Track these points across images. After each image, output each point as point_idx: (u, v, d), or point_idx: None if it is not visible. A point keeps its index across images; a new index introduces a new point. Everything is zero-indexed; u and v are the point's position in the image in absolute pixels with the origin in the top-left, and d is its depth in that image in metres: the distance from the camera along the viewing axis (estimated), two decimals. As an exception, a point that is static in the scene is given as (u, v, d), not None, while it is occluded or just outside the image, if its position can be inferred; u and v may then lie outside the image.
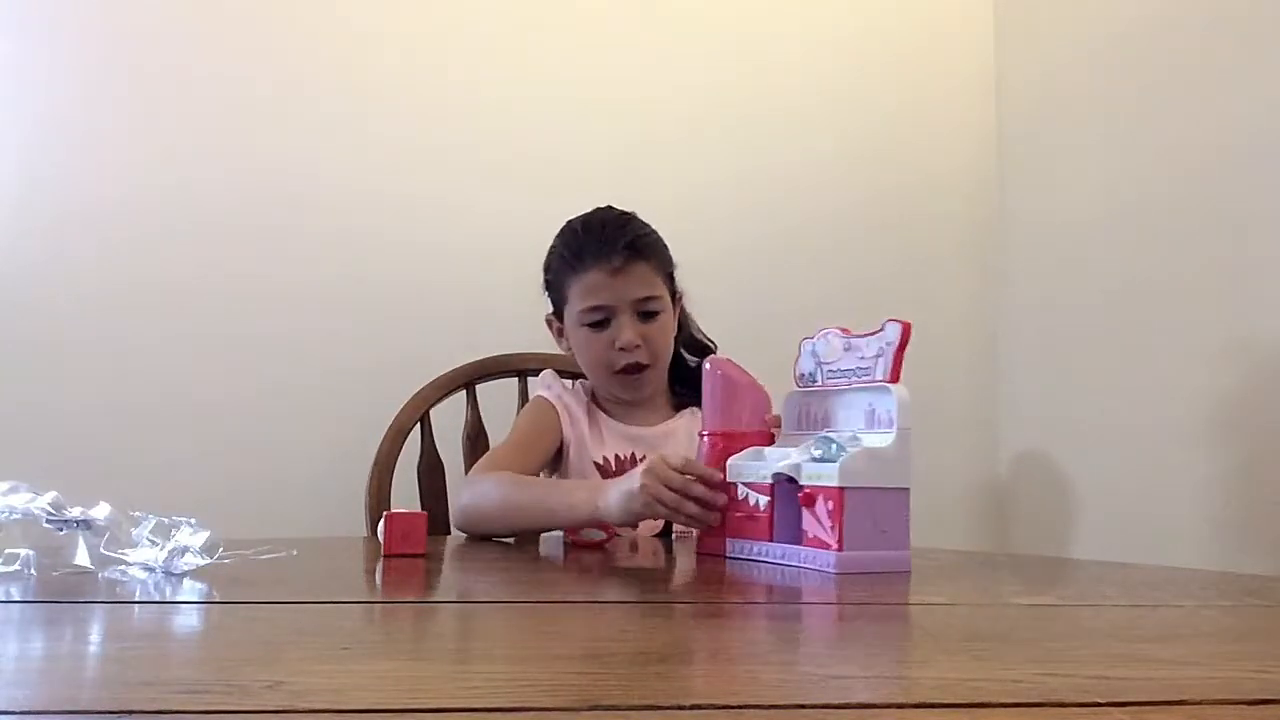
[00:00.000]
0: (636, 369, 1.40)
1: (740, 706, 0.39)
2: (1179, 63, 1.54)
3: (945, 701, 0.41)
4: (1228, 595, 0.87)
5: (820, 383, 1.04)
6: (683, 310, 1.49)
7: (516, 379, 1.68)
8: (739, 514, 1.02)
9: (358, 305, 1.81)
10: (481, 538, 1.29)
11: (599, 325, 1.39)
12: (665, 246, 1.44)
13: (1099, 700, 0.40)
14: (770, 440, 1.07)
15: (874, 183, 1.98)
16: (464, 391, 1.66)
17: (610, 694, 0.42)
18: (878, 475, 0.93)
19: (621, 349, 1.38)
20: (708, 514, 1.05)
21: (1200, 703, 0.41)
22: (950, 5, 2.04)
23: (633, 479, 1.09)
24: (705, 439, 1.10)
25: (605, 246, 1.38)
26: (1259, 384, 1.38)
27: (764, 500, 0.99)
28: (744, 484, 1.02)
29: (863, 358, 0.98)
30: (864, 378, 0.98)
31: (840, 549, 0.91)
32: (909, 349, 0.96)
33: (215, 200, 1.80)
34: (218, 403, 1.77)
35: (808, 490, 0.94)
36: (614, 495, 1.11)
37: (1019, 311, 1.93)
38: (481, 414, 1.66)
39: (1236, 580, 1.01)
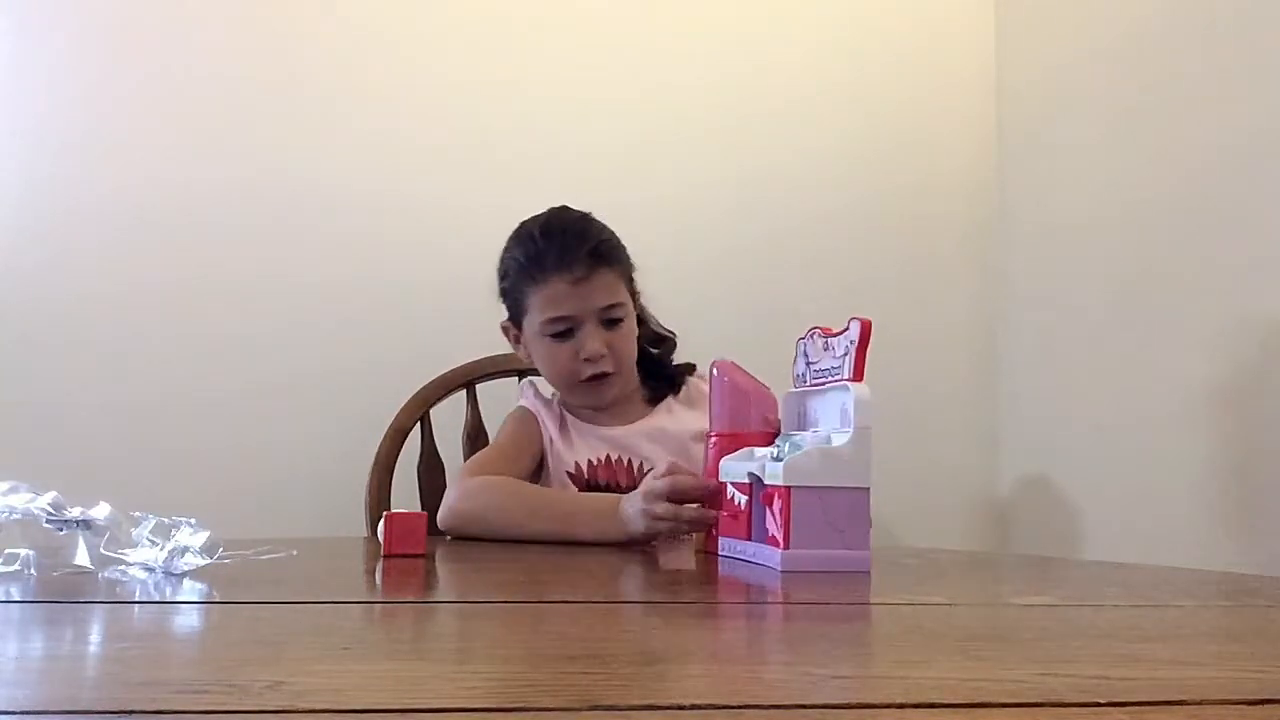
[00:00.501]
0: (602, 377, 1.38)
1: (740, 706, 0.39)
2: (1179, 63, 1.54)
3: (945, 701, 0.40)
4: (1228, 595, 0.87)
5: (808, 382, 1.04)
6: (641, 307, 1.47)
7: (516, 379, 1.68)
8: (727, 513, 1.04)
9: (357, 305, 1.81)
10: (472, 538, 1.28)
11: (562, 335, 1.37)
12: (624, 249, 1.42)
13: (1099, 700, 0.40)
14: (771, 441, 1.08)
15: (874, 182, 1.98)
16: (464, 391, 1.66)
17: (610, 694, 0.42)
18: (830, 474, 0.92)
19: (587, 360, 1.36)
20: (706, 515, 1.08)
21: (1200, 703, 0.41)
22: (951, 5, 2.04)
23: (635, 503, 1.13)
24: (712, 441, 1.12)
25: (566, 255, 1.35)
26: (1259, 384, 1.38)
27: (744, 499, 1.00)
28: (732, 483, 1.03)
29: (836, 357, 0.99)
30: (834, 376, 0.99)
31: (786, 547, 0.91)
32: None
33: (215, 200, 1.80)
34: (218, 403, 1.77)
35: (768, 489, 0.95)
36: (631, 519, 1.14)
37: (1019, 311, 1.93)
38: (481, 414, 1.66)
39: (1236, 580, 1.01)
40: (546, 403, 1.47)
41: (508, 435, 1.45)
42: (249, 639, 0.56)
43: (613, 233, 1.41)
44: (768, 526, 0.95)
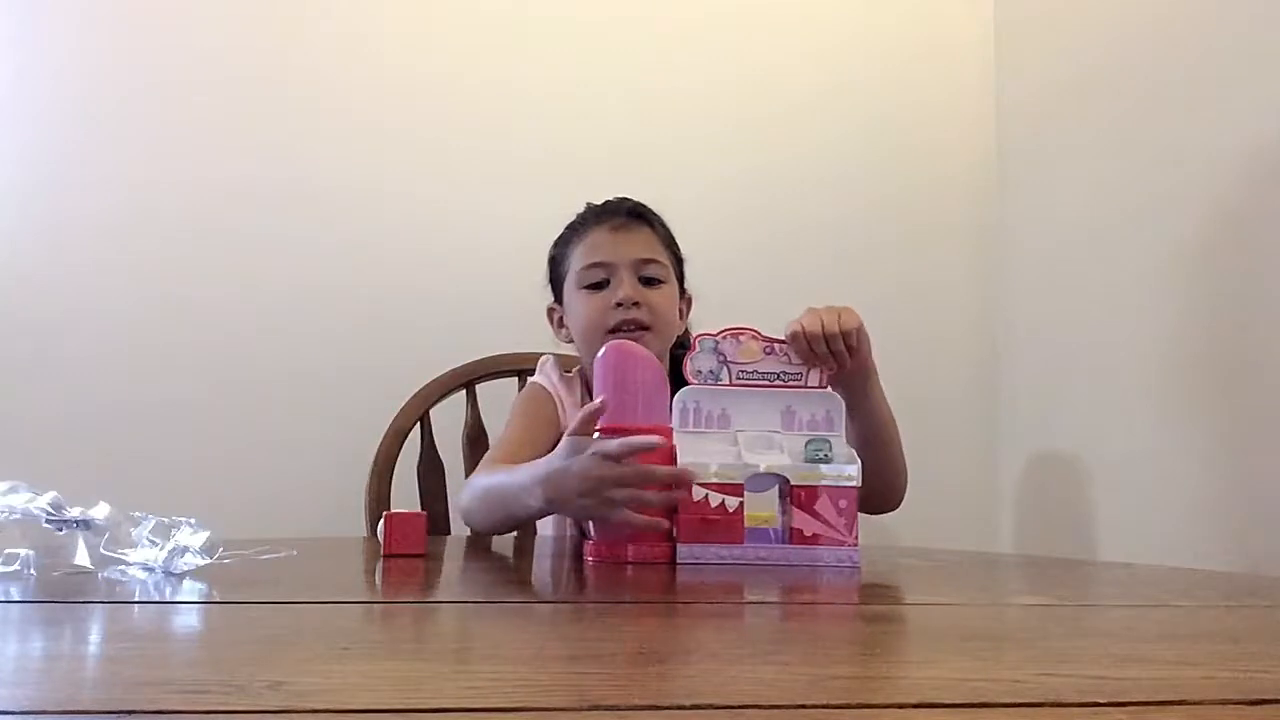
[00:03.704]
0: (634, 327, 1.31)
1: (740, 706, 0.39)
2: (1177, 67, 1.54)
3: (945, 701, 0.40)
4: (1228, 595, 0.87)
5: (728, 382, 1.04)
6: (689, 324, 1.44)
7: (516, 379, 1.68)
8: (697, 516, 0.95)
9: (358, 305, 1.81)
10: (482, 535, 1.26)
11: (597, 286, 1.34)
12: (672, 233, 1.42)
13: (1099, 700, 0.40)
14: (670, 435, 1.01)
15: (874, 186, 1.98)
16: (464, 391, 1.66)
17: (610, 694, 0.42)
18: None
19: (619, 304, 1.31)
20: (670, 497, 0.95)
21: (1200, 703, 0.41)
22: (951, 11, 2.04)
23: (568, 471, 0.98)
24: (600, 435, 1.00)
25: (608, 208, 1.39)
26: (1260, 385, 1.38)
27: (733, 501, 0.96)
28: (700, 484, 0.96)
29: (791, 363, 1.06)
30: (792, 381, 1.05)
31: (856, 544, 0.96)
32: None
33: (215, 201, 1.80)
34: (218, 403, 1.77)
35: (804, 489, 0.96)
36: (560, 489, 0.99)
37: (1019, 313, 1.93)
38: (481, 414, 1.66)
39: (1236, 580, 1.01)
40: (568, 382, 1.41)
41: (518, 421, 1.37)
42: (249, 639, 0.56)
43: (665, 222, 1.42)
44: (801, 526, 0.96)
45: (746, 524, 0.97)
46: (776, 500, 1.01)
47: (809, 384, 1.05)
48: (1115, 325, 1.65)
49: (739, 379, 1.04)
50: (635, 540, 0.96)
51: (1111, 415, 1.65)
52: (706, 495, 0.96)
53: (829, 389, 1.06)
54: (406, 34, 1.88)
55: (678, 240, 1.44)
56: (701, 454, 0.98)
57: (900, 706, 0.40)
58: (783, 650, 0.57)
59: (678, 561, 0.95)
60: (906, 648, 0.59)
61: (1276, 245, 1.35)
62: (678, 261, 1.42)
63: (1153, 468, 1.55)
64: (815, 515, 0.95)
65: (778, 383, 1.04)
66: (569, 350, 1.47)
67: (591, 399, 1.40)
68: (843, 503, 0.96)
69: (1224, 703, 0.42)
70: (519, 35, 1.91)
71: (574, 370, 1.44)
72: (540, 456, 1.29)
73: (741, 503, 0.96)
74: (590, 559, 0.98)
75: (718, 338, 1.05)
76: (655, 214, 1.42)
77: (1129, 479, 1.61)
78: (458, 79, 1.89)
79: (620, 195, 1.43)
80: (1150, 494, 1.56)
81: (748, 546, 0.96)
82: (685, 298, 1.45)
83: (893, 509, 1.34)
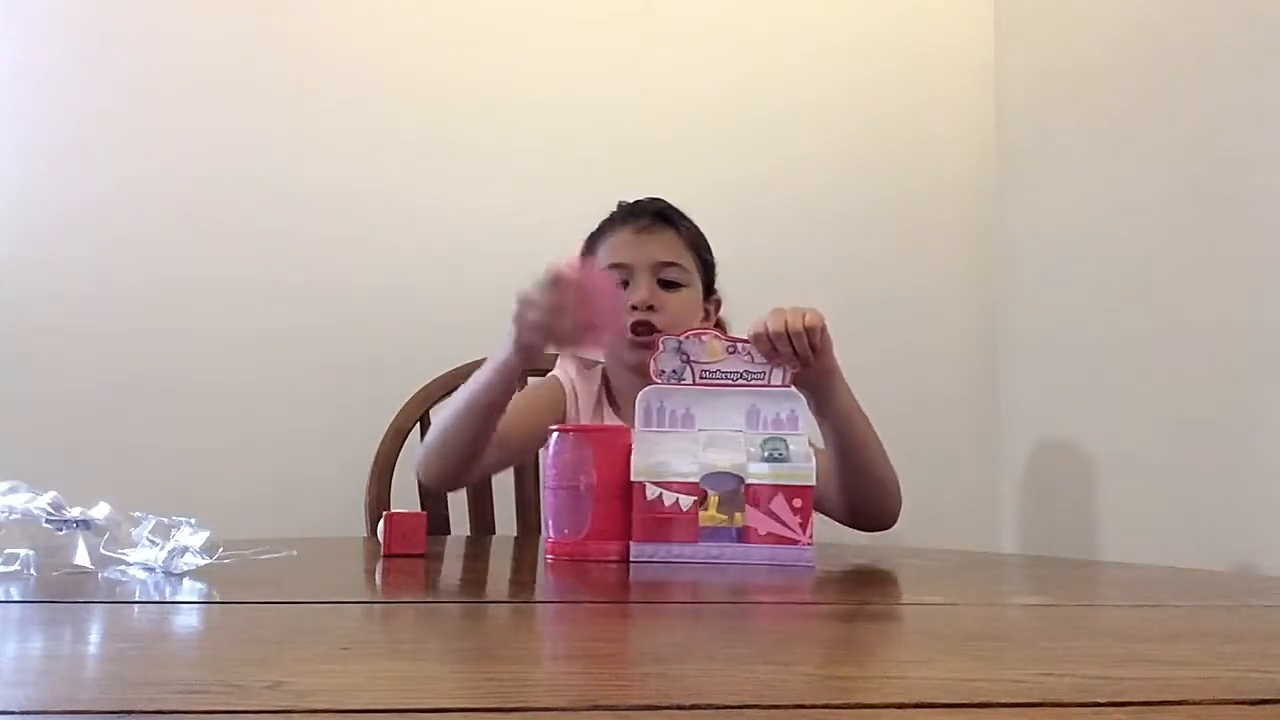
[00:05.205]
0: (646, 330, 1.32)
1: (740, 706, 0.39)
2: (1178, 67, 1.54)
3: (945, 701, 0.41)
4: (1228, 595, 0.87)
5: (692, 381, 1.04)
6: (720, 321, 1.44)
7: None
8: (651, 515, 0.95)
9: (358, 305, 1.81)
10: (450, 480, 1.35)
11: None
12: (703, 235, 1.43)
13: (1099, 700, 0.40)
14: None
15: (873, 186, 1.98)
16: (464, 391, 1.66)
17: (610, 694, 0.42)
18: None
19: (634, 307, 1.33)
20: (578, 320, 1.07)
21: (1200, 703, 0.41)
22: (950, 10, 2.04)
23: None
24: (558, 435, 1.02)
25: (636, 209, 1.40)
26: (1260, 385, 1.38)
27: (687, 500, 0.96)
28: (654, 483, 0.96)
29: (754, 362, 1.05)
30: (754, 380, 1.05)
31: (810, 543, 0.95)
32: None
33: (216, 200, 1.80)
34: (217, 403, 1.76)
35: (758, 487, 0.96)
36: (502, 339, 1.15)
37: (1019, 314, 1.93)
38: (481, 414, 1.66)
39: (1236, 580, 1.01)
40: (586, 375, 1.43)
41: (520, 395, 1.39)
42: (249, 639, 0.56)
43: (695, 224, 1.43)
44: (755, 525, 0.95)
45: (702, 523, 0.97)
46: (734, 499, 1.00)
47: (772, 383, 1.05)
48: (1115, 325, 1.65)
49: (703, 379, 1.04)
50: (591, 539, 0.96)
51: (1111, 415, 1.65)
52: (661, 494, 0.96)
53: (793, 388, 1.05)
54: (407, 34, 1.88)
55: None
56: (659, 453, 0.98)
57: (900, 706, 0.40)
58: (783, 650, 0.57)
59: (631, 560, 0.94)
60: (906, 648, 0.59)
61: (1277, 244, 1.35)
62: (705, 265, 1.43)
63: (1153, 468, 1.55)
64: (769, 514, 0.95)
65: (741, 382, 1.04)
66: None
67: (610, 395, 1.43)
68: (797, 501, 0.95)
69: (1224, 703, 0.42)
70: (519, 35, 1.91)
71: (595, 368, 1.46)
72: (527, 433, 1.34)
73: (696, 501, 0.96)
74: (549, 558, 0.98)
75: (681, 338, 1.05)
76: (684, 217, 1.42)
77: (1129, 479, 1.61)
78: (458, 79, 1.89)
79: (653, 196, 1.44)
80: (1150, 494, 1.56)
81: (701, 545, 0.95)
82: (713, 299, 1.45)
83: (888, 525, 1.30)
